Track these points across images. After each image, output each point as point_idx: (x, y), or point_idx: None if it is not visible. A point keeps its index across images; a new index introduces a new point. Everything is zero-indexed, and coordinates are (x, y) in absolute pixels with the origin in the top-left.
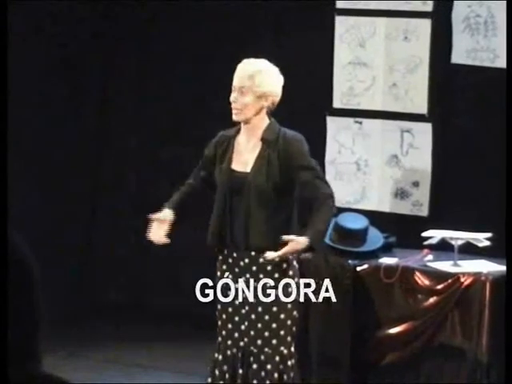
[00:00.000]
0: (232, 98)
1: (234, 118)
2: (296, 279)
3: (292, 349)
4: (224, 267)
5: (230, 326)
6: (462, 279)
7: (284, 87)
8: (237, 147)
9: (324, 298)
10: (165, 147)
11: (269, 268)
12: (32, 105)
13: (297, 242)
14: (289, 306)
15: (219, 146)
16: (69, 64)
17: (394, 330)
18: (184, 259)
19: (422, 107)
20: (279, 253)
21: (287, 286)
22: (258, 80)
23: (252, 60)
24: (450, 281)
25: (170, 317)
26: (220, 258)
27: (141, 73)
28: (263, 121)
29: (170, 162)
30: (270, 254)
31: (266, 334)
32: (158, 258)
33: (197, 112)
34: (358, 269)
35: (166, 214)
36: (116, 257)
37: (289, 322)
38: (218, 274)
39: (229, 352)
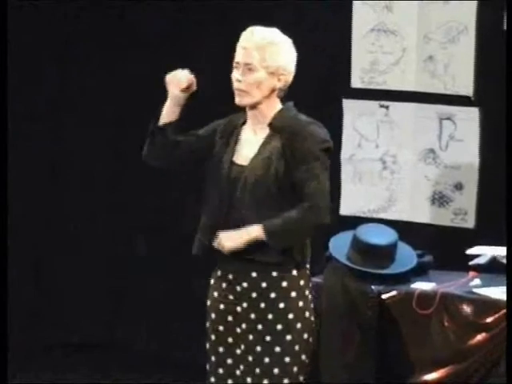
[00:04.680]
0: (236, 76)
1: (238, 101)
2: (307, 313)
3: None
4: (215, 295)
5: (220, 370)
6: None
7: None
8: (242, 137)
9: (340, 335)
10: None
11: (272, 295)
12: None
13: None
14: (296, 347)
15: (222, 132)
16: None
17: (430, 376)
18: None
19: (466, 87)
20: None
21: (295, 320)
22: (270, 52)
23: (260, 28)
24: (502, 312)
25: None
26: (212, 282)
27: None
28: (273, 106)
29: None
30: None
31: (266, 382)
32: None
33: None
34: (384, 296)
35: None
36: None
37: (295, 369)
38: (208, 303)
39: None
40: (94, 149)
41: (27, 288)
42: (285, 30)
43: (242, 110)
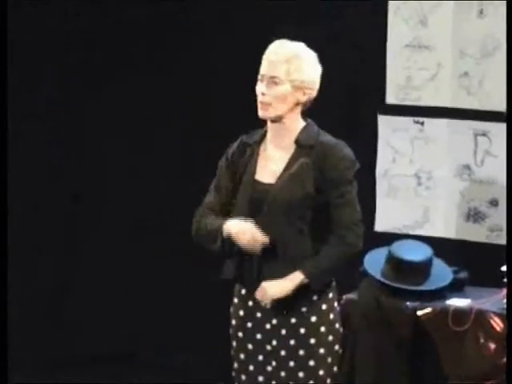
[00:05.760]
0: (260, 88)
1: (262, 114)
2: (337, 325)
3: None
4: (241, 313)
5: None
6: None
7: (321, 78)
8: (263, 154)
9: (375, 351)
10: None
11: (303, 310)
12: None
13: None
14: (329, 359)
15: (238, 155)
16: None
17: None
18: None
19: (501, 103)
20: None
21: (327, 333)
22: (297, 66)
23: (286, 42)
24: None
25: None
26: (235, 301)
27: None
28: (297, 121)
29: None
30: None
31: None
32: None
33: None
34: (420, 313)
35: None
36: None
37: (329, 381)
38: (233, 322)
39: None
40: (94, 149)
41: (28, 288)
42: (318, 46)
43: (263, 122)
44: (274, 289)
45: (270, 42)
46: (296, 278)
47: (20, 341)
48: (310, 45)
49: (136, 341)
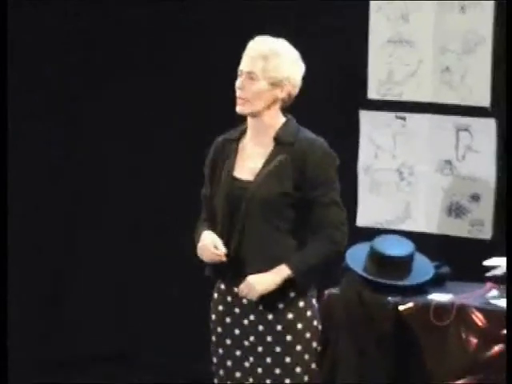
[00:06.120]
0: (238, 83)
1: (239, 110)
2: (315, 322)
3: None
4: (220, 308)
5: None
6: None
7: (303, 74)
8: (242, 151)
9: (357, 346)
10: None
11: (280, 306)
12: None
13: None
14: (306, 356)
15: (219, 152)
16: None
17: None
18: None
19: (483, 98)
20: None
21: (304, 330)
22: (274, 63)
23: (267, 38)
24: None
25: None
26: (215, 296)
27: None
28: (277, 118)
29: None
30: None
31: None
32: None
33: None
34: (401, 308)
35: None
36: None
37: (306, 378)
38: (213, 317)
39: None
40: (94, 149)
41: (28, 288)
42: (300, 41)
43: (243, 119)
44: (261, 283)
45: None
46: (282, 272)
47: (20, 341)
48: (294, 40)
49: (136, 341)
